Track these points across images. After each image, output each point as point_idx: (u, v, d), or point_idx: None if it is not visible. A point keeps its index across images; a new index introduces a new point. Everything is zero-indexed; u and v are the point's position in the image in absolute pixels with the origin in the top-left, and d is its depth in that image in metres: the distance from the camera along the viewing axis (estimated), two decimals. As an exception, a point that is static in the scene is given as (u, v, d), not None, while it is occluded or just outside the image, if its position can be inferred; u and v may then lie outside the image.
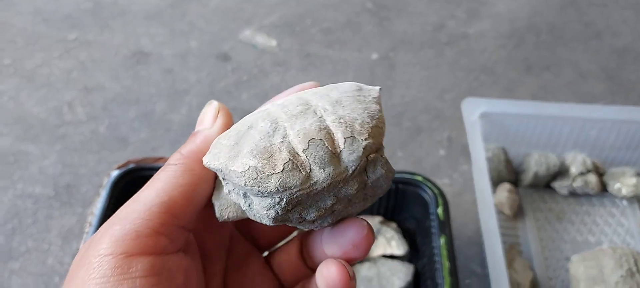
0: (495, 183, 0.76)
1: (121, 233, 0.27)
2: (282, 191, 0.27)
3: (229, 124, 0.33)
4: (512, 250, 0.70)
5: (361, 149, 0.28)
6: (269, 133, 0.28)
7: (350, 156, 0.28)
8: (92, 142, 0.82)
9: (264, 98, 0.90)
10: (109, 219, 0.29)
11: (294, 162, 0.27)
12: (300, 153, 0.28)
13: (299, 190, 0.28)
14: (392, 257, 0.66)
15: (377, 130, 0.29)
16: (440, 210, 0.62)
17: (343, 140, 0.28)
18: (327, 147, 0.27)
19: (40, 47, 0.99)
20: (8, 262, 0.68)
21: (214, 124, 0.32)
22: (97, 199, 0.61)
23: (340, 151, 0.28)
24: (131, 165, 0.64)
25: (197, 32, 1.04)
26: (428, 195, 0.64)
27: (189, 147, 0.32)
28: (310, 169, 0.28)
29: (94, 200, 0.61)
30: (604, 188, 0.78)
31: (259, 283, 0.37)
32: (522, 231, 0.74)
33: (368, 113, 0.29)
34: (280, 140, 0.28)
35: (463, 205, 0.76)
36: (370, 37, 1.05)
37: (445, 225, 0.61)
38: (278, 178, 0.27)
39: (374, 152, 0.29)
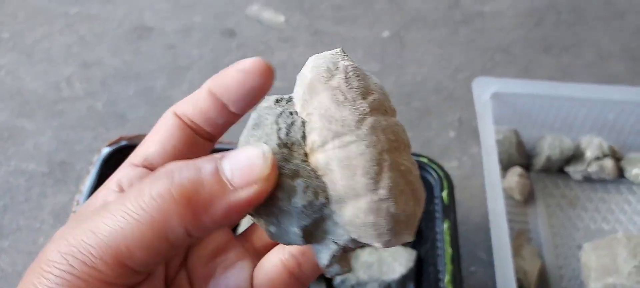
0: (506, 167, 0.73)
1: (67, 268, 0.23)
2: None
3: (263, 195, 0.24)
4: (521, 237, 0.66)
5: None
6: None
7: None
8: (89, 118, 0.80)
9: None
10: (58, 237, 0.24)
11: None
12: None
13: None
14: (393, 242, 0.63)
15: None
16: (444, 194, 0.59)
17: None
18: None
19: (41, 21, 0.96)
20: (-2, 240, 0.66)
21: (247, 189, 0.24)
22: (87, 177, 0.59)
23: None
24: (123, 142, 0.61)
25: (202, 7, 1.01)
26: (433, 178, 0.60)
27: (193, 200, 0.23)
28: None
29: (84, 178, 0.59)
30: (620, 173, 0.73)
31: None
32: (533, 217, 0.70)
33: None
34: None
35: (471, 189, 0.72)
36: (382, 14, 1.01)
37: (449, 210, 0.58)
38: None
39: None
